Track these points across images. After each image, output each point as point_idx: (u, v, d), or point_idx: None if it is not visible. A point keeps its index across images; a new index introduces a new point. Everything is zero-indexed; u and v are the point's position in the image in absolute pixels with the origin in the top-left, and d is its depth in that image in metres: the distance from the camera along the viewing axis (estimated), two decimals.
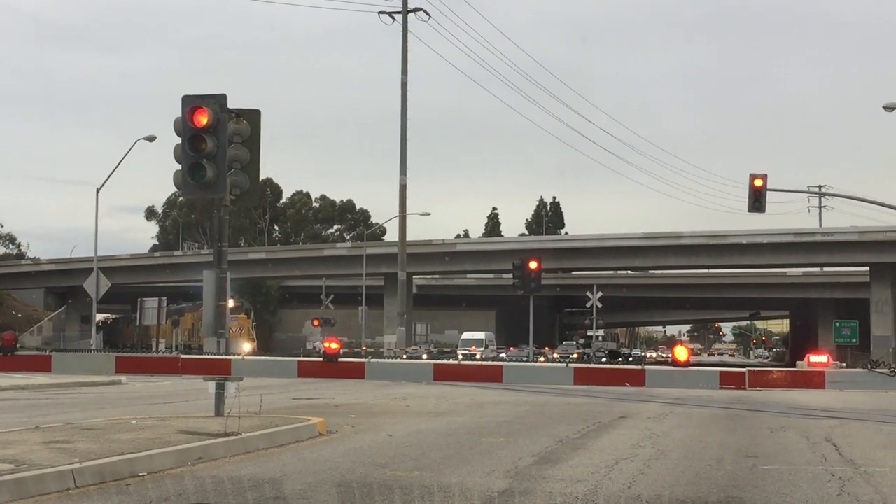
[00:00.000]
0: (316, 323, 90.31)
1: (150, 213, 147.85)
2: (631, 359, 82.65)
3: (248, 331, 74.94)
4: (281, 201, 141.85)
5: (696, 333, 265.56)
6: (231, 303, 74.67)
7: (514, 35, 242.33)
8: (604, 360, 74.65)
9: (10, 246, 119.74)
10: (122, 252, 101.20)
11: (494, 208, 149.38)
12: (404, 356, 61.49)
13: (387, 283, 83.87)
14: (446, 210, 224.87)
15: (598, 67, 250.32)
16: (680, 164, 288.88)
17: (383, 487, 12.37)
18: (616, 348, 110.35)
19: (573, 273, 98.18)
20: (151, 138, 53.61)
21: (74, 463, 12.48)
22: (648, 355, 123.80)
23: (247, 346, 70.27)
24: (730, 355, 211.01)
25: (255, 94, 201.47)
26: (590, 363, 60.72)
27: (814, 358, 40.22)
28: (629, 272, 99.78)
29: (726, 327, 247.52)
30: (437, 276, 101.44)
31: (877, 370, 37.59)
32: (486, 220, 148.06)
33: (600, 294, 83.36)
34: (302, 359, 46.33)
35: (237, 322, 73.10)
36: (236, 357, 38.39)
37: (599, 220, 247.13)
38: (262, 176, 21.91)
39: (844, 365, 44.77)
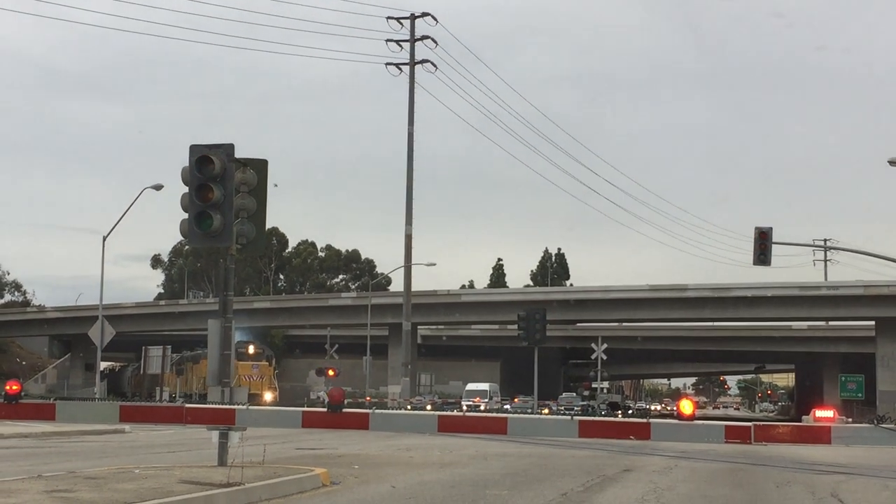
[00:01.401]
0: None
1: (156, 262, 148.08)
2: (631, 411, 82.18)
3: (269, 378, 73.13)
4: (286, 251, 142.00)
5: (701, 386, 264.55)
6: (252, 349, 72.38)
7: (521, 88, 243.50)
8: (604, 412, 74.40)
9: (16, 293, 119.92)
10: (127, 300, 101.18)
11: (500, 259, 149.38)
12: (408, 407, 61.28)
13: (391, 334, 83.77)
14: (451, 260, 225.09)
15: (606, 121, 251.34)
16: (686, 217, 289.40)
17: None
18: (620, 401, 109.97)
19: (578, 325, 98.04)
20: (158, 187, 53.75)
21: None
22: (652, 408, 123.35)
23: (268, 396, 68.52)
24: (735, 409, 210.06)
25: (262, 144, 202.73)
26: (594, 415, 60.47)
27: (820, 413, 40.02)
28: (634, 324, 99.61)
29: (731, 380, 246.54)
30: (441, 327, 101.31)
31: (883, 425, 37.38)
32: (491, 271, 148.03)
33: (605, 346, 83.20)
34: (306, 409, 46.12)
35: (259, 370, 71.74)
36: (240, 406, 38.23)
37: (604, 272, 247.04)
38: (268, 225, 21.95)
39: (850, 420, 44.58)
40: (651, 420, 40.87)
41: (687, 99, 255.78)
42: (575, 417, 41.53)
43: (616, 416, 62.27)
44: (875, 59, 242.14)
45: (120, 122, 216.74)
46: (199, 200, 19.49)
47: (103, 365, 73.87)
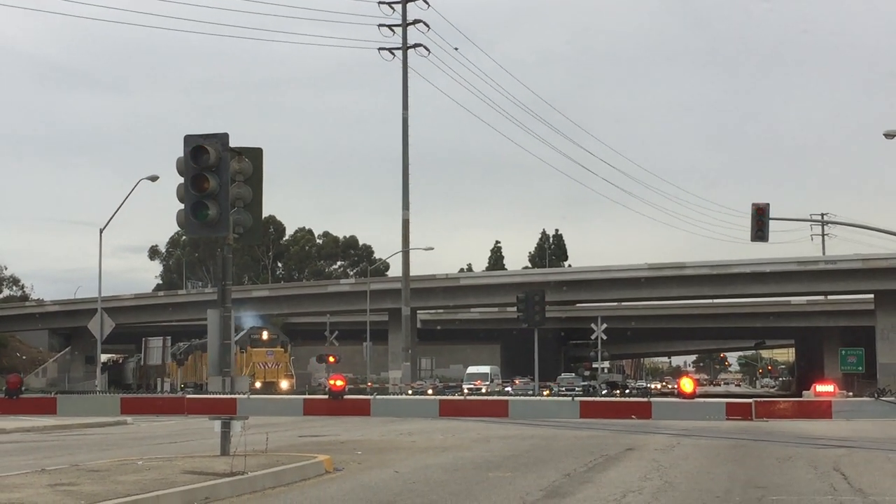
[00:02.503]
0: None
1: (154, 253, 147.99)
2: (628, 391, 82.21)
3: (286, 366, 69.83)
4: (284, 238, 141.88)
5: (701, 364, 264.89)
6: (265, 335, 70.59)
7: (516, 69, 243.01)
8: (604, 391, 74.49)
9: (14, 288, 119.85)
10: (125, 292, 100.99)
11: (497, 242, 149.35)
12: (409, 391, 61.24)
13: (391, 319, 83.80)
14: (449, 244, 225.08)
15: (600, 100, 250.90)
16: (683, 195, 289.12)
17: None
18: (621, 380, 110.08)
19: (577, 305, 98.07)
20: (154, 178, 53.67)
21: None
22: (653, 386, 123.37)
23: (284, 384, 66.38)
24: (736, 385, 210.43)
25: (256, 132, 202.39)
26: (595, 395, 60.51)
27: (820, 387, 40.13)
28: (634, 303, 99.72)
29: (732, 357, 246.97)
30: (441, 311, 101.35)
31: (884, 398, 37.46)
32: (489, 254, 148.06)
33: (605, 326, 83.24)
34: (307, 397, 46.20)
35: (274, 356, 69.28)
36: (241, 396, 38.27)
37: (602, 252, 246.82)
38: (265, 214, 21.95)
39: (851, 394, 44.71)
40: (652, 399, 40.96)
41: (682, 77, 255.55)
42: (576, 398, 41.59)
43: (615, 395, 62.55)
44: (863, 35, 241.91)
45: (115, 113, 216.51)
46: (194, 191, 19.47)
47: (104, 357, 73.68)
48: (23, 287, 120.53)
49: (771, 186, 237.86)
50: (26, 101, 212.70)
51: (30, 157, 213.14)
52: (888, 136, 45.64)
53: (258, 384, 66.02)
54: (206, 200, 19.44)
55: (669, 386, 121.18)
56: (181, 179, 19.83)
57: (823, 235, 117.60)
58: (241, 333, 70.86)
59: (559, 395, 58.02)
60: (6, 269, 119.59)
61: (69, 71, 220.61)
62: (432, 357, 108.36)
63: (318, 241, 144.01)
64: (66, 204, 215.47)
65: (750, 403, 37.89)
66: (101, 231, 55.41)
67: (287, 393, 58.92)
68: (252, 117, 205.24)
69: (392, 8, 68.51)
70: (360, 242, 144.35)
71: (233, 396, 36.87)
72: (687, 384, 39.60)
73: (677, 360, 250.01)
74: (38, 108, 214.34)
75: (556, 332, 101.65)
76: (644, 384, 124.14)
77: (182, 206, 19.87)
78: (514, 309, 65.83)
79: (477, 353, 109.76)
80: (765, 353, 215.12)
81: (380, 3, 68.51)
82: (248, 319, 71.91)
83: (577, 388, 74.95)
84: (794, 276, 77.20)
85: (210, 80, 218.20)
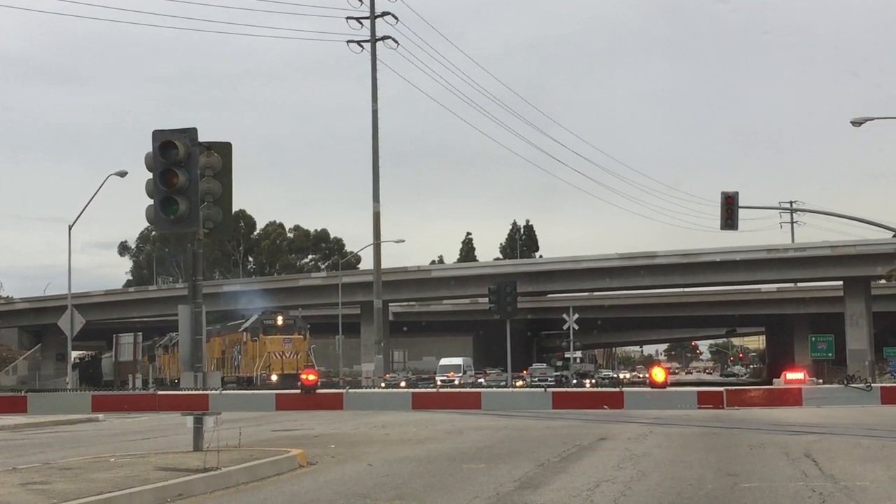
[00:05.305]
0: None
1: (124, 249, 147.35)
2: (594, 381, 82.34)
3: (304, 355, 63.30)
4: (255, 233, 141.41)
5: (673, 352, 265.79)
6: (280, 320, 65.39)
7: (484, 61, 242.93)
8: (574, 381, 74.67)
9: None
10: (95, 288, 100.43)
11: (469, 233, 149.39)
12: (382, 384, 61.03)
13: (363, 312, 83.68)
14: (421, 236, 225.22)
15: (569, 91, 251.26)
16: (652, 185, 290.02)
17: None
18: (593, 370, 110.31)
19: (549, 296, 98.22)
20: (123, 174, 53.29)
21: None
22: (623, 376, 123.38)
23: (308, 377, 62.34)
24: (708, 373, 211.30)
25: (226, 126, 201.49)
26: (566, 386, 60.58)
27: (790, 375, 40.22)
28: (605, 293, 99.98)
29: (703, 345, 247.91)
30: (413, 303, 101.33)
31: (853, 385, 37.66)
32: (460, 245, 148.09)
33: (577, 316, 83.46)
34: (279, 391, 45.91)
35: (292, 345, 63.38)
36: (214, 391, 38.03)
37: (573, 242, 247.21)
38: (235, 208, 21.85)
39: (821, 381, 44.93)
40: (624, 389, 41.01)
41: (649, 65, 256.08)
42: (548, 389, 41.60)
43: (584, 385, 62.66)
44: (831, 22, 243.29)
45: (81, 107, 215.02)
46: (163, 186, 19.37)
47: (75, 354, 73.18)
48: None
49: (740, 175, 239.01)
50: None
51: None
52: (856, 123, 45.95)
53: (274, 377, 60.81)
54: (176, 196, 19.35)
55: (640, 376, 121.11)
56: (150, 175, 19.73)
57: (792, 223, 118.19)
58: (252, 319, 66.18)
59: (532, 386, 58.07)
60: None
61: (33, 65, 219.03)
62: (405, 349, 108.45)
63: (288, 234, 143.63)
64: (33, 200, 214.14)
65: (721, 392, 37.82)
66: (70, 227, 55.08)
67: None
68: (220, 111, 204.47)
69: (360, 0, 68.41)
70: (332, 235, 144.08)
71: (205, 392, 36.66)
72: (658, 374, 39.60)
73: (649, 349, 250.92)
74: (2, 103, 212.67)
75: (528, 323, 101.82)
76: (611, 373, 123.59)
77: (151, 201, 19.77)
78: (486, 300, 65.91)
79: (450, 344, 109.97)
80: (736, 341, 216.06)
81: None
82: (258, 303, 67.44)
83: (549, 379, 75.07)
84: (764, 263, 77.57)
85: (177, 73, 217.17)
